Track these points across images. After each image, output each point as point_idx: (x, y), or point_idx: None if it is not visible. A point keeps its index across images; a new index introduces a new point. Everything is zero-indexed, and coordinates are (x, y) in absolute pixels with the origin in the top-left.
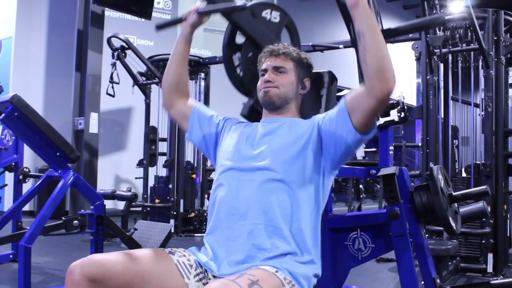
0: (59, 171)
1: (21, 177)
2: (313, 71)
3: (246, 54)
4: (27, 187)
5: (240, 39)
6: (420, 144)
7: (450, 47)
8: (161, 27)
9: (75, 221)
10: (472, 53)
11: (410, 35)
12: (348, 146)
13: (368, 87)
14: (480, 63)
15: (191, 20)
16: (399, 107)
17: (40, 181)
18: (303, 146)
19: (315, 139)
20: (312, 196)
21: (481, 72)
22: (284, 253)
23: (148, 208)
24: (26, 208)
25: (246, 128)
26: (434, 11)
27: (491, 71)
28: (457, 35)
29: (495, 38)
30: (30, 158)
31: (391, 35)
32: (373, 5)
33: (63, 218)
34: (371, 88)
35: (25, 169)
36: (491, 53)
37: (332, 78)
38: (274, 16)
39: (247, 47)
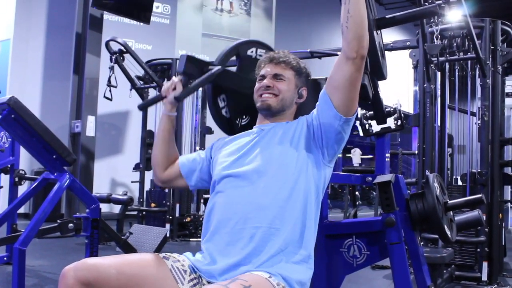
0: (55, 174)
1: (16, 179)
2: (311, 78)
3: (230, 98)
4: (22, 189)
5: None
6: (416, 152)
7: (447, 55)
8: (143, 107)
9: (70, 224)
10: (469, 62)
11: (408, 43)
12: (337, 132)
13: (345, 50)
14: (477, 72)
15: (170, 99)
16: (396, 114)
17: (35, 183)
18: (295, 143)
19: (305, 134)
20: (311, 191)
21: (478, 81)
22: (281, 250)
23: (144, 212)
24: (21, 210)
25: (238, 138)
26: (432, 20)
27: (487, 80)
28: (455, 44)
29: (492, 47)
30: (26, 160)
31: (385, 25)
32: None
33: (58, 221)
34: (348, 49)
35: (20, 171)
36: (488, 62)
37: None
38: (259, 54)
39: (230, 93)
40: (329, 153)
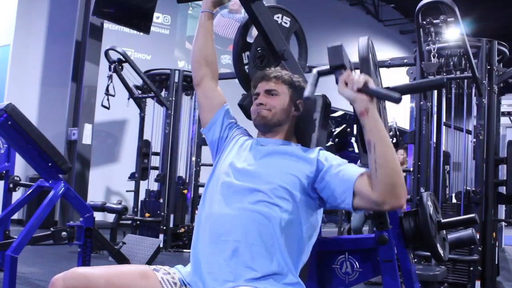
0: (50, 181)
1: (11, 185)
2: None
3: (255, 48)
4: (17, 195)
5: (250, 38)
6: (411, 169)
7: (444, 74)
8: (182, 0)
9: (64, 233)
10: (465, 80)
11: (405, 61)
12: (339, 208)
13: (378, 199)
14: (473, 91)
15: None
16: (391, 132)
17: (30, 190)
18: (298, 176)
19: (310, 176)
20: (303, 222)
21: (474, 99)
22: (268, 274)
23: (138, 222)
24: (15, 216)
25: (246, 144)
26: (429, 38)
27: (483, 99)
28: (451, 63)
29: (488, 67)
30: (21, 167)
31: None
32: (383, 114)
33: (52, 228)
34: (381, 201)
35: (15, 178)
36: (484, 81)
37: (326, 103)
38: (284, 21)
39: (257, 42)
40: (325, 205)
